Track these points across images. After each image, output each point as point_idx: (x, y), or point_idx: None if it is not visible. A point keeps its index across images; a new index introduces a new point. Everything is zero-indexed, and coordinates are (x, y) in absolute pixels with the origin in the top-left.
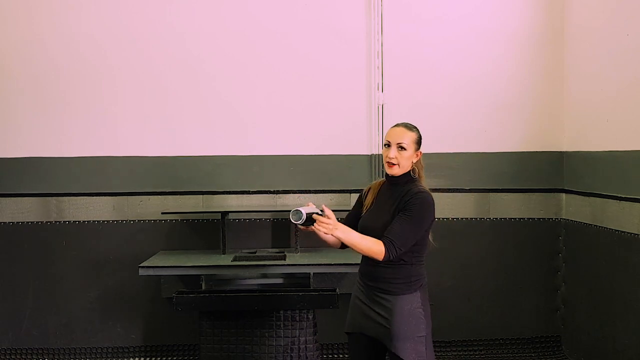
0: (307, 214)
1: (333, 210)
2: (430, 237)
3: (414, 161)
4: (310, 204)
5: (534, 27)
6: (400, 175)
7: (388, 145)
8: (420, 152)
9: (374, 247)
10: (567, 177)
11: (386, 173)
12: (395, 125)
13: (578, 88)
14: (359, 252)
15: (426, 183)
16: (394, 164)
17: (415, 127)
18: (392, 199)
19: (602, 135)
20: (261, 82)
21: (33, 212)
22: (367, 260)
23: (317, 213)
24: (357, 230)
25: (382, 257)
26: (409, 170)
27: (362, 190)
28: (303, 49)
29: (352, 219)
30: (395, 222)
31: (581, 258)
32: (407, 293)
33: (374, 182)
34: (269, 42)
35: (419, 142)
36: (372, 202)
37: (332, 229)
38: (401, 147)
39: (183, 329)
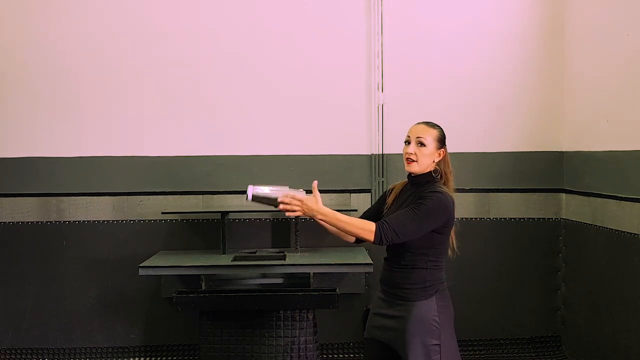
0: (263, 196)
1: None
2: (453, 242)
3: (436, 160)
4: (287, 188)
5: (534, 27)
6: (421, 175)
7: (408, 142)
8: (444, 152)
9: (365, 226)
10: (567, 177)
11: (408, 173)
12: (417, 123)
13: (578, 88)
14: (350, 233)
15: (453, 185)
16: (412, 160)
17: (438, 126)
18: (410, 199)
19: (602, 135)
20: (261, 82)
21: (33, 212)
22: (385, 265)
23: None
24: None
25: (373, 236)
26: (431, 170)
27: (362, 190)
28: (303, 48)
29: (371, 213)
30: (399, 211)
31: (581, 258)
32: (423, 299)
33: (398, 182)
34: (269, 42)
35: (441, 141)
36: (393, 203)
37: (303, 210)
38: (420, 143)
39: (183, 329)
